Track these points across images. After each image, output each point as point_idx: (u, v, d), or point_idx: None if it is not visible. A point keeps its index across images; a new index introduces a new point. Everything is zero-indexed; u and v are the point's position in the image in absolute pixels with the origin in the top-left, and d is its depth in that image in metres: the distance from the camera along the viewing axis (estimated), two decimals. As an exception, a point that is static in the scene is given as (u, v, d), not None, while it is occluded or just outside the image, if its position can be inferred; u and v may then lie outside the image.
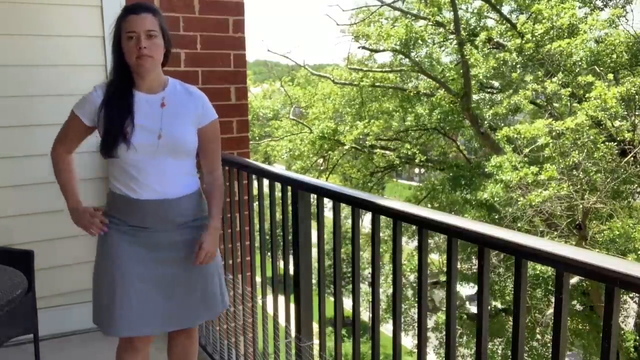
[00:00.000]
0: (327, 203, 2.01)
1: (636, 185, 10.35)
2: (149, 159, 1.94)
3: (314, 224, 2.12)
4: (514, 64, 11.51)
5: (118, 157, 1.93)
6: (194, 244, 2.03)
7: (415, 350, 1.71)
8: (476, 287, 1.48)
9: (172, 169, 1.98)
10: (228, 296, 2.15)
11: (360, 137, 13.82)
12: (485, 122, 12.35)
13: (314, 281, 2.19)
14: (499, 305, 11.77)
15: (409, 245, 14.21)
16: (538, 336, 11.55)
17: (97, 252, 2.04)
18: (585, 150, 9.48)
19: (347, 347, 11.60)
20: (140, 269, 1.97)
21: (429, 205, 13.96)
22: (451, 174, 13.44)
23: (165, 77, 2.04)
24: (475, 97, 12.59)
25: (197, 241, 2.02)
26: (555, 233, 10.05)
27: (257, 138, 16.74)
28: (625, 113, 9.64)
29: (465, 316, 12.73)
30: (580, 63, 10.34)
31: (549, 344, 10.94)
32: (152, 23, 1.91)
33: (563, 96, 10.32)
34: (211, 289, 2.09)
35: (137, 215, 1.97)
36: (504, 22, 12.90)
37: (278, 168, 2.75)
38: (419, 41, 12.73)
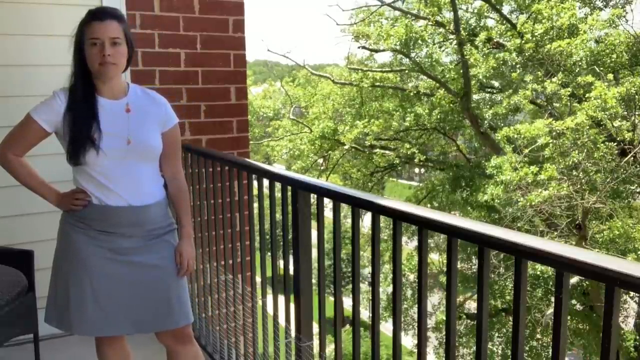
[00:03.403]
0: (327, 203, 2.01)
1: (636, 185, 10.35)
2: (118, 165, 1.92)
3: (314, 224, 2.12)
4: (514, 64, 11.51)
5: (86, 164, 1.91)
6: (164, 250, 2.02)
7: (415, 350, 1.70)
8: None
9: (140, 175, 1.98)
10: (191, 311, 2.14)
11: (360, 136, 13.81)
12: (485, 122, 12.35)
13: (314, 281, 2.19)
14: (499, 305, 11.76)
15: (408, 245, 14.20)
16: (538, 336, 11.54)
17: (61, 255, 2.02)
18: (585, 150, 9.48)
19: (347, 347, 11.60)
20: (110, 269, 1.95)
21: (429, 205, 13.96)
22: (451, 174, 13.44)
23: (125, 82, 2.03)
24: (475, 97, 12.59)
25: (177, 252, 2.04)
26: (555, 233, 10.05)
27: (257, 138, 16.73)
28: (625, 113, 9.64)
29: (464, 316, 12.72)
30: (580, 63, 10.34)
31: (549, 344, 10.94)
32: (117, 30, 1.89)
33: (563, 96, 10.31)
34: (184, 296, 2.07)
35: (105, 221, 1.95)
36: (504, 22, 12.90)
37: (278, 168, 2.75)
38: (419, 41, 12.73)
